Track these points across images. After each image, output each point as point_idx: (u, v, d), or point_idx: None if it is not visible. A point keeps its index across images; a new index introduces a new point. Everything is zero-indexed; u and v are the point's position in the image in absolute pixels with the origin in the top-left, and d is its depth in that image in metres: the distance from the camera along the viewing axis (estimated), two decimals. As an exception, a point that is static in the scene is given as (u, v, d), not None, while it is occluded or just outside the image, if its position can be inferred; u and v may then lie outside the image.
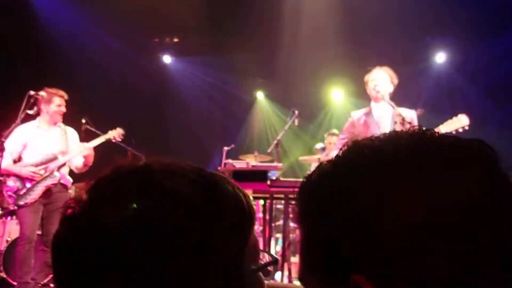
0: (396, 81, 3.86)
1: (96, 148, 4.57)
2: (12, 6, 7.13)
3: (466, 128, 3.42)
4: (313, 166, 6.31)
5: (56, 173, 4.38)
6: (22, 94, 4.28)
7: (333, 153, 3.48)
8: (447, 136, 0.55)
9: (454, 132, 3.45)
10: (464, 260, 0.48)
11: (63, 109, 4.50)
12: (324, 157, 5.94)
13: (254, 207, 0.70)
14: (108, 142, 5.06)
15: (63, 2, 7.77)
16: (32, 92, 4.28)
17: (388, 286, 0.49)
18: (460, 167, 0.51)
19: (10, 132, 4.17)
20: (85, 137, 4.79)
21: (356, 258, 0.51)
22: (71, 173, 4.63)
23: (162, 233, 0.58)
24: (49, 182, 4.34)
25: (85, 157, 4.45)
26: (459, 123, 3.42)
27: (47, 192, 4.34)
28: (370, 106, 3.86)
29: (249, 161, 4.11)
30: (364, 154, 0.54)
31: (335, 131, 6.28)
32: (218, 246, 0.61)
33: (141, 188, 0.61)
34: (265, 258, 0.74)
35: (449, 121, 3.47)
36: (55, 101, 4.44)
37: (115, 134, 4.69)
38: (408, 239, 0.48)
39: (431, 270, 0.48)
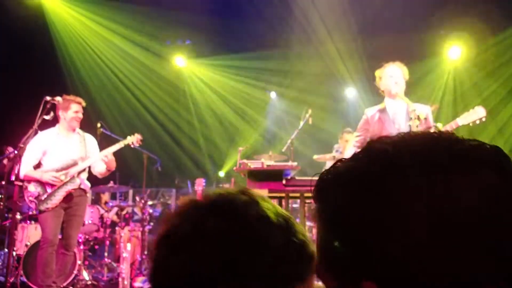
0: (407, 77, 3.81)
1: (113, 153, 4.61)
2: (27, 14, 7.24)
3: (484, 120, 3.36)
4: (328, 164, 6.27)
5: (76, 179, 4.45)
6: (38, 100, 4.33)
7: (348, 151, 3.45)
8: (462, 141, 0.55)
9: (471, 124, 3.39)
10: (477, 263, 0.47)
11: (80, 115, 4.56)
12: (339, 155, 5.90)
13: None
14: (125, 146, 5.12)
15: (75, 8, 7.85)
16: (48, 98, 4.33)
17: None
18: (475, 173, 0.51)
19: (28, 137, 4.23)
20: (101, 140, 4.84)
21: (368, 262, 0.51)
22: (89, 177, 4.69)
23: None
24: (70, 187, 4.40)
25: (106, 163, 4.50)
26: (476, 115, 3.36)
27: (68, 197, 4.40)
28: (384, 102, 3.81)
29: (264, 161, 4.09)
30: (378, 157, 0.55)
31: (349, 129, 6.24)
32: None
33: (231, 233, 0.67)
34: None
35: (466, 114, 3.41)
36: (72, 108, 4.50)
37: (134, 139, 4.73)
38: (424, 240, 0.48)
39: (442, 272, 0.47)
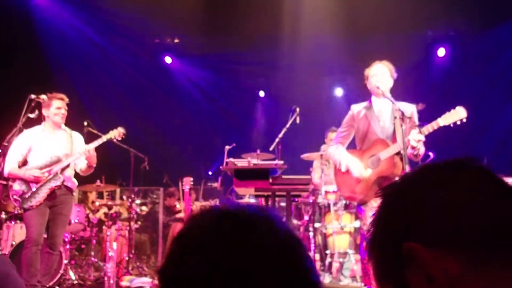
0: (395, 75, 3.85)
1: (99, 150, 4.58)
2: (12, 12, 7.17)
3: (464, 120, 3.40)
4: (315, 163, 6.29)
5: (59, 175, 4.39)
6: (23, 98, 4.31)
7: (332, 148, 3.46)
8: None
9: (452, 125, 3.43)
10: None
11: (63, 111, 4.52)
12: (323, 152, 5.92)
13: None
14: (111, 144, 5.08)
15: (62, 6, 7.79)
16: (33, 96, 4.32)
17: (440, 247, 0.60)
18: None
19: (12, 136, 4.20)
20: (87, 139, 4.81)
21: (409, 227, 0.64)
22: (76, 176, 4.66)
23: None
24: (52, 184, 4.36)
25: (87, 158, 4.46)
26: (457, 115, 3.40)
27: (52, 195, 4.36)
28: (370, 99, 3.85)
29: (251, 160, 4.10)
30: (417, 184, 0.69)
31: (334, 128, 6.27)
32: None
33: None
34: None
35: (447, 114, 3.44)
36: (54, 104, 4.47)
37: (116, 133, 4.68)
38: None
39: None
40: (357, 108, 3.91)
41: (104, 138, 4.58)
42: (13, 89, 5.99)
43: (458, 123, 3.41)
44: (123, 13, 7.57)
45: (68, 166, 4.48)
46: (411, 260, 0.61)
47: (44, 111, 4.48)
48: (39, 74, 7.29)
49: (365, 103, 3.88)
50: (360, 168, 3.69)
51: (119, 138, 4.73)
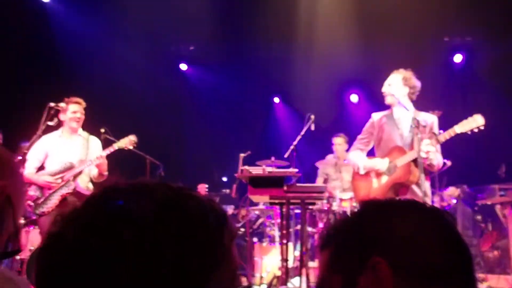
0: (412, 83, 3.81)
1: (114, 157, 4.59)
2: (31, 21, 7.32)
3: (482, 128, 3.37)
4: (320, 170, 6.27)
5: (71, 182, 4.37)
6: (43, 106, 4.37)
7: (351, 153, 3.46)
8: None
9: (469, 132, 3.40)
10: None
11: (79, 115, 4.51)
12: (336, 159, 5.89)
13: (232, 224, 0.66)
14: (127, 150, 5.11)
15: (79, 15, 7.92)
16: (52, 104, 4.35)
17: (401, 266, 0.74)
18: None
19: (32, 143, 4.26)
20: (104, 146, 4.85)
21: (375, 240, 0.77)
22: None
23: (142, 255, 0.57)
24: (64, 191, 4.33)
25: (97, 166, 4.41)
26: (474, 123, 3.37)
27: (64, 202, 4.32)
28: (392, 108, 3.87)
29: (266, 168, 4.11)
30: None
31: (341, 134, 6.32)
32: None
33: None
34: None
35: (464, 121, 3.42)
36: (70, 108, 4.46)
37: (127, 142, 4.59)
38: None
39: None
40: (377, 116, 3.93)
41: (115, 146, 4.53)
42: (32, 97, 6.09)
43: (476, 130, 3.38)
44: (139, 21, 7.66)
45: (81, 172, 4.44)
46: (373, 271, 0.73)
47: (61, 116, 4.47)
48: (58, 81, 7.41)
49: (386, 111, 3.90)
50: (385, 163, 3.68)
51: (130, 147, 4.65)
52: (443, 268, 0.75)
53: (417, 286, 0.73)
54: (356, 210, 0.87)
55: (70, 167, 4.41)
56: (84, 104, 4.57)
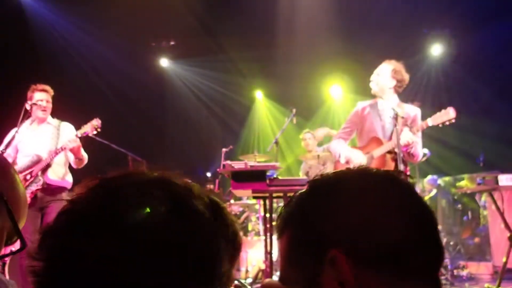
0: (400, 76, 3.80)
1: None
2: (8, 16, 7.17)
3: (453, 121, 3.43)
4: (310, 163, 6.32)
5: (39, 177, 3.98)
6: (19, 102, 4.24)
7: (333, 142, 3.46)
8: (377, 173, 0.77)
9: (441, 125, 3.46)
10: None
11: (45, 103, 4.11)
12: (320, 153, 5.93)
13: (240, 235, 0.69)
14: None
15: (58, 10, 7.80)
16: (28, 107, 4.08)
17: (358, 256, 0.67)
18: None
19: (9, 141, 4.12)
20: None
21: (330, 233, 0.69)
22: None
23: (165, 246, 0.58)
24: (33, 187, 3.96)
25: (71, 150, 4.00)
26: (446, 116, 3.43)
27: (36, 199, 3.96)
28: (376, 98, 3.87)
29: (248, 162, 4.11)
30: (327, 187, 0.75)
31: (306, 130, 6.40)
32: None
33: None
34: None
35: (437, 114, 3.48)
36: (35, 97, 4.09)
37: (88, 127, 4.07)
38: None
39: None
40: (362, 105, 3.94)
41: (78, 133, 4.07)
42: (7, 93, 5.98)
43: (447, 123, 3.44)
44: (119, 16, 7.57)
45: (49, 165, 4.02)
46: (332, 264, 0.67)
47: (27, 105, 4.06)
48: (37, 78, 7.27)
49: (371, 101, 3.91)
50: (361, 158, 3.71)
51: (94, 132, 4.13)
52: (406, 245, 0.67)
53: (383, 269, 0.66)
54: (304, 190, 0.77)
55: (38, 161, 4.02)
56: (51, 92, 4.18)
